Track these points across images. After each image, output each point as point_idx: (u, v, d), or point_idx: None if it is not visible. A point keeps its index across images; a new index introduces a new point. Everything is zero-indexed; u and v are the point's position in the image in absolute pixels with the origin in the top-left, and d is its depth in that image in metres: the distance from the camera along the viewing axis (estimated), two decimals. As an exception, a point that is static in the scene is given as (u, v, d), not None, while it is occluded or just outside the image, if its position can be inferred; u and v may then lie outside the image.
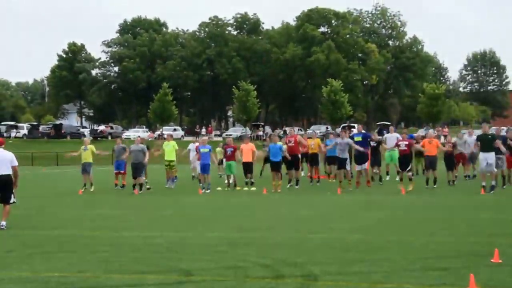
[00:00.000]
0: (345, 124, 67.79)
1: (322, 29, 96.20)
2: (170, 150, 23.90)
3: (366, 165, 22.33)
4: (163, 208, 17.20)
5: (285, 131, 68.90)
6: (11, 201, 13.01)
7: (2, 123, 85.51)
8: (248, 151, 22.82)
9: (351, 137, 22.60)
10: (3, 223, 12.74)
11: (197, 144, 26.49)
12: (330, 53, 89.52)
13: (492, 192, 18.98)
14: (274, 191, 21.15)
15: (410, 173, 20.51)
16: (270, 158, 22.48)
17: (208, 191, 21.78)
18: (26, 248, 10.60)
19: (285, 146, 22.67)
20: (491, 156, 19.31)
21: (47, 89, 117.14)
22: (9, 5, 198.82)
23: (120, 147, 24.16)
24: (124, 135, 70.17)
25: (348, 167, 21.42)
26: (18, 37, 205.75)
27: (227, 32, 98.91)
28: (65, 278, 8.09)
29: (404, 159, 20.70)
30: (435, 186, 21.14)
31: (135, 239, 11.35)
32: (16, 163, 13.03)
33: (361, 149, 21.63)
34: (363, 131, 24.70)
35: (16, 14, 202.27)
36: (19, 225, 13.54)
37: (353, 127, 68.66)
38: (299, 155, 23.42)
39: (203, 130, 77.13)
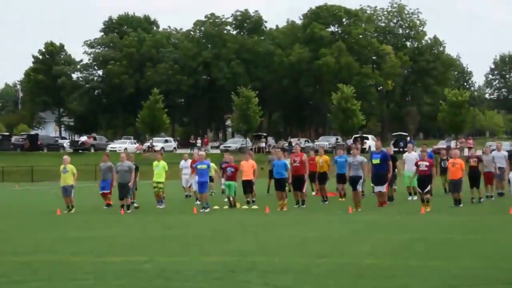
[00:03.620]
0: (357, 135, 67.90)
1: (331, 28, 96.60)
2: (159, 171, 23.78)
3: (385, 187, 22.28)
4: (152, 229, 17.16)
5: (290, 143, 69.01)
6: None
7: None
8: (248, 169, 23.09)
9: (370, 157, 22.47)
10: None
11: (189, 160, 26.49)
12: (341, 55, 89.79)
13: None
14: (280, 210, 21.12)
15: (428, 195, 20.53)
16: (274, 176, 22.62)
17: (207, 210, 21.74)
18: (-3, 275, 10.55)
19: (288, 162, 22.64)
20: None
21: (21, 95, 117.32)
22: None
23: (106, 166, 23.86)
24: (109, 147, 70.23)
25: (360, 187, 21.37)
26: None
27: (225, 31, 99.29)
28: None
29: (424, 180, 20.62)
30: (461, 205, 21.17)
31: (121, 264, 11.31)
32: None
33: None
34: (382, 149, 23.88)
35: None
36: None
37: (366, 138, 68.86)
38: (305, 176, 23.43)
39: (199, 142, 77.17)
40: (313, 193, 26.45)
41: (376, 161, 21.78)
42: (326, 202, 23.86)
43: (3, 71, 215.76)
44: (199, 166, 22.55)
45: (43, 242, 14.85)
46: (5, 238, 15.85)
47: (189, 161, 26.57)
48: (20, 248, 13.89)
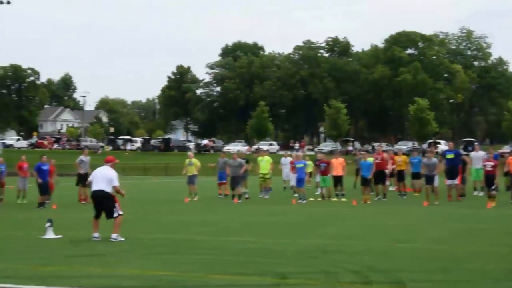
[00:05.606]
0: (431, 141, 65.97)
1: (409, 51, 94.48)
2: (264, 164, 24.12)
3: (457, 180, 21.62)
4: (258, 216, 17.33)
5: (373, 147, 67.81)
6: (115, 215, 11.97)
7: (120, 137, 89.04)
8: (338, 165, 22.82)
9: (443, 154, 21.91)
10: (113, 236, 11.81)
11: (289, 158, 26.62)
12: (417, 73, 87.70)
13: None
14: (364, 203, 20.87)
15: (494, 192, 19.75)
16: (361, 173, 22.42)
17: (304, 201, 21.73)
18: (139, 249, 10.96)
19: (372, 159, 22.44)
20: None
21: (158, 107, 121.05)
22: (126, 35, 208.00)
23: (222, 160, 24.38)
24: (225, 149, 71.30)
25: (435, 183, 20.80)
26: (134, 61, 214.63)
27: (319, 54, 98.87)
28: (173, 277, 8.32)
29: (490, 179, 19.91)
30: None
31: (234, 243, 11.50)
32: (115, 183, 12.00)
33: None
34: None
35: (132, 41, 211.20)
36: (134, 229, 13.97)
37: (439, 143, 66.65)
38: (386, 171, 23.15)
39: (297, 145, 77.19)
40: (392, 188, 25.76)
41: (450, 155, 21.28)
42: (405, 197, 23.31)
43: (145, 88, 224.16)
44: (297, 165, 22.63)
45: (174, 223, 15.30)
46: (147, 220, 16.36)
47: (289, 158, 26.67)
48: (157, 228, 14.34)
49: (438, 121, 75.12)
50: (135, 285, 8.01)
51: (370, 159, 22.26)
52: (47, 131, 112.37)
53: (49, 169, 21.71)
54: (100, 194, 11.97)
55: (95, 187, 12.05)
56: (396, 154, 26.26)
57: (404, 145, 69.55)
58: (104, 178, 12.03)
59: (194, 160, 23.99)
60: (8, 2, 58.11)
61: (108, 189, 11.98)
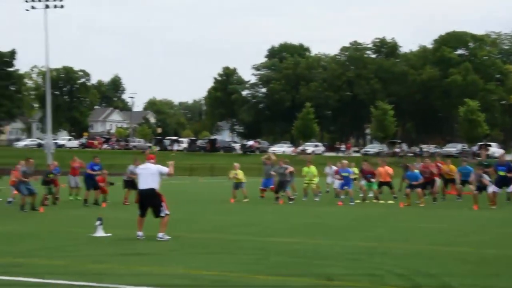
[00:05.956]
0: (482, 143, 64.49)
1: (459, 51, 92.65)
2: (310, 176, 24.29)
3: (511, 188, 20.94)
4: (304, 217, 17.26)
5: (421, 149, 66.75)
6: (162, 214, 12.05)
7: (167, 137, 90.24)
8: (385, 173, 22.75)
9: (495, 169, 21.07)
10: (160, 234, 11.89)
11: (334, 168, 26.41)
12: (467, 74, 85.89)
13: None
14: (408, 206, 20.52)
15: None
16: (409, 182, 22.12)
17: (352, 203, 21.60)
18: (185, 248, 11.05)
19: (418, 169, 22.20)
20: None
21: (204, 108, 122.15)
22: (173, 37, 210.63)
23: (267, 167, 24.23)
24: (270, 150, 71.29)
25: (489, 190, 20.22)
26: (181, 63, 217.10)
27: (366, 55, 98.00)
28: (216, 277, 8.36)
29: None
30: None
31: (278, 244, 11.48)
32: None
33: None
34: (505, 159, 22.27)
35: (179, 43, 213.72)
36: (180, 228, 14.07)
37: (490, 145, 64.98)
38: (435, 179, 22.93)
39: (343, 146, 76.64)
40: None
41: (502, 173, 20.45)
42: (459, 199, 22.71)
43: (192, 90, 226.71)
44: (342, 173, 22.81)
45: (219, 224, 15.35)
46: (193, 219, 16.48)
47: (334, 168, 26.43)
48: (203, 228, 14.40)
49: (489, 123, 73.44)
50: (178, 284, 8.09)
51: (417, 171, 21.91)
52: (97, 132, 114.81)
53: (100, 169, 22.33)
54: (146, 193, 12.16)
55: (142, 186, 12.26)
56: (444, 159, 25.81)
57: (453, 147, 68.22)
58: (149, 175, 12.22)
59: (239, 171, 24.09)
60: (62, 6, 59.93)
61: (155, 185, 12.15)
